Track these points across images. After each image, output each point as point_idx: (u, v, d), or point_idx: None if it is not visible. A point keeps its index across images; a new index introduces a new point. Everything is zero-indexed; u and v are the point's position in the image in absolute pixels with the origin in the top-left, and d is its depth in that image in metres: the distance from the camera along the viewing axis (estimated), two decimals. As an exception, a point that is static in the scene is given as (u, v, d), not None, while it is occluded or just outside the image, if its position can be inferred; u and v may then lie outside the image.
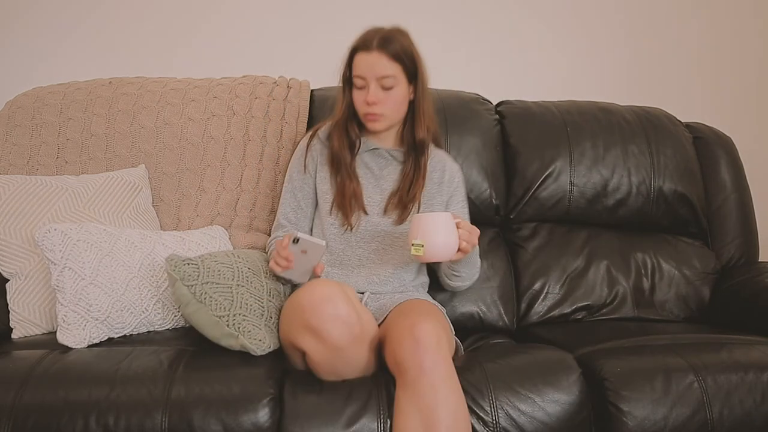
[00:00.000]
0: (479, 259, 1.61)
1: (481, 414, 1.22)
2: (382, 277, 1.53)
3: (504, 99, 2.07)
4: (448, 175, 1.61)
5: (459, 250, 1.34)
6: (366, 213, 1.54)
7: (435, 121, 1.62)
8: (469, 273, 1.58)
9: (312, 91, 1.94)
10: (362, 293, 1.51)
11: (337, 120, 1.57)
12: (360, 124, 1.56)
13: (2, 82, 2.14)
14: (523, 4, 2.36)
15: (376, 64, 1.44)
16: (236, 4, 2.26)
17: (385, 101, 1.47)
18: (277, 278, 1.45)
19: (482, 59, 2.35)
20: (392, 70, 1.45)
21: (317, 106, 1.89)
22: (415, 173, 1.54)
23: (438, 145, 1.70)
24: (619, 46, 2.41)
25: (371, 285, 1.53)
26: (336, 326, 1.18)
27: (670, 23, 2.43)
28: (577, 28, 2.39)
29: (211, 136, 1.81)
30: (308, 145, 1.60)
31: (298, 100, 1.90)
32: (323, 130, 1.62)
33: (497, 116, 1.98)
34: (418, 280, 1.60)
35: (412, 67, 1.49)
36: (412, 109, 1.55)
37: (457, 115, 1.90)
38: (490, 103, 2.02)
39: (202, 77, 1.96)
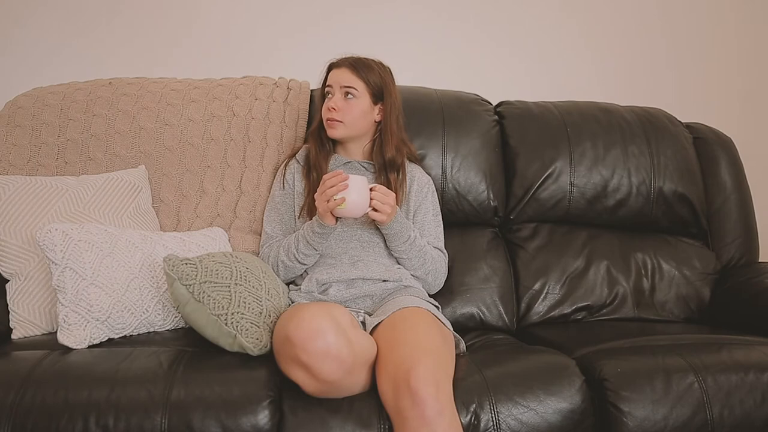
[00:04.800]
0: (422, 245, 1.60)
1: (481, 425, 1.21)
2: (371, 265, 1.57)
3: (504, 99, 2.07)
4: (417, 185, 1.69)
5: (374, 210, 1.49)
6: None
7: (407, 143, 1.73)
8: (402, 249, 1.58)
9: (312, 91, 1.94)
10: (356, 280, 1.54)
11: (312, 129, 1.72)
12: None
13: (2, 83, 2.14)
14: (522, 5, 2.36)
15: (342, 76, 1.62)
16: (236, 4, 2.27)
17: (345, 109, 1.61)
18: (321, 233, 1.52)
19: (482, 60, 2.35)
20: (356, 84, 1.62)
21: (317, 106, 1.90)
22: (387, 187, 1.60)
23: (415, 160, 1.78)
24: (619, 46, 2.41)
25: (362, 272, 1.54)
26: (326, 362, 1.14)
27: (670, 23, 2.43)
28: (577, 28, 2.39)
29: (211, 137, 1.81)
30: (286, 164, 1.73)
31: (298, 103, 1.90)
32: (300, 152, 1.74)
33: (497, 117, 1.98)
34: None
35: (377, 89, 1.64)
36: (381, 131, 1.67)
37: (456, 116, 1.90)
38: (490, 103, 2.02)
39: (202, 78, 1.96)
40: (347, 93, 1.62)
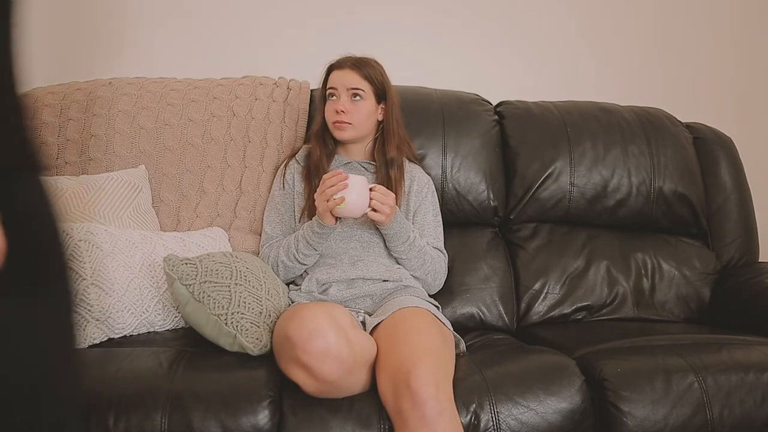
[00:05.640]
0: (422, 246, 1.59)
1: (481, 425, 1.21)
2: (371, 265, 1.57)
3: (504, 99, 2.07)
4: (417, 186, 1.69)
5: (374, 210, 1.48)
6: None
7: (407, 140, 1.74)
8: (401, 249, 1.57)
9: (312, 91, 1.94)
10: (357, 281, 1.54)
11: (314, 131, 1.70)
12: (335, 139, 1.68)
13: (2, 83, 2.14)
14: (522, 4, 2.36)
15: (348, 78, 1.61)
16: (237, 4, 2.26)
17: (353, 111, 1.61)
18: (321, 233, 1.52)
19: (482, 59, 2.35)
20: (362, 85, 1.62)
21: (317, 106, 1.90)
22: (387, 185, 1.60)
23: (415, 160, 1.78)
24: (619, 46, 2.41)
25: (362, 272, 1.54)
26: (326, 362, 1.14)
27: (670, 23, 2.43)
28: (577, 28, 2.39)
29: (211, 137, 1.81)
30: (286, 165, 1.73)
31: (298, 103, 1.90)
32: (300, 153, 1.74)
33: (497, 117, 1.98)
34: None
35: (380, 89, 1.64)
36: (383, 130, 1.67)
37: (456, 116, 1.90)
38: (490, 103, 2.02)
39: (202, 78, 1.96)
40: (355, 95, 1.61)
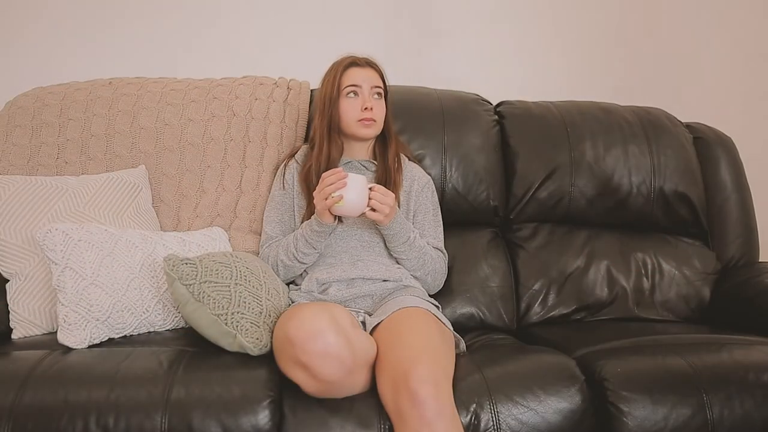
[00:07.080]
0: (422, 246, 1.59)
1: (481, 425, 1.21)
2: (371, 264, 1.57)
3: (504, 99, 2.07)
4: (417, 186, 1.69)
5: (373, 209, 1.48)
6: None
7: (398, 139, 1.77)
8: (401, 250, 1.57)
9: (312, 91, 1.94)
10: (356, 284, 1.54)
11: (323, 130, 1.64)
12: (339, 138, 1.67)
13: (2, 82, 2.14)
14: (523, 5, 2.36)
15: (371, 76, 1.63)
16: (236, 4, 2.27)
17: (377, 108, 1.62)
18: (320, 232, 1.52)
19: (482, 59, 2.35)
20: (381, 83, 1.65)
21: (318, 106, 1.89)
22: (387, 179, 1.61)
23: (414, 160, 1.79)
24: (619, 46, 2.41)
25: (362, 272, 1.54)
26: (326, 362, 1.14)
27: (670, 23, 2.43)
28: (577, 28, 2.39)
29: (211, 137, 1.81)
30: (286, 165, 1.72)
31: (298, 103, 1.90)
32: (299, 153, 1.74)
33: (497, 117, 1.98)
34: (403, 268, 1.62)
35: (386, 88, 1.67)
36: (383, 129, 1.68)
37: (456, 116, 1.90)
38: (490, 103, 2.02)
39: (202, 78, 1.96)
40: (378, 93, 1.63)
